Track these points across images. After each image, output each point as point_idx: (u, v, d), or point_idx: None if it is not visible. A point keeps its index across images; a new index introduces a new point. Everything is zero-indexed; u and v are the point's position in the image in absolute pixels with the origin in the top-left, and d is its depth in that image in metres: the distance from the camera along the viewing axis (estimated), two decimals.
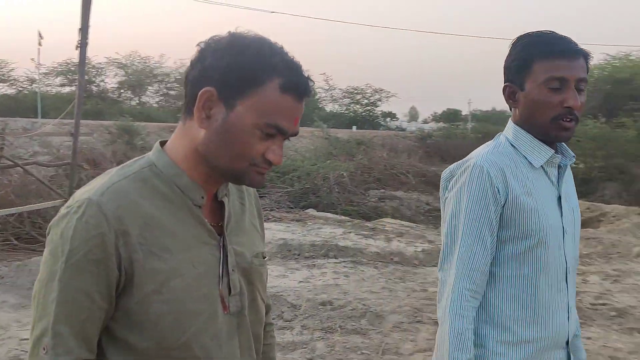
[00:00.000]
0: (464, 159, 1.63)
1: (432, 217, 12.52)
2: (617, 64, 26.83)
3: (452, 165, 1.66)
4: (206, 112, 1.09)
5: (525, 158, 1.59)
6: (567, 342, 1.65)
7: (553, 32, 1.60)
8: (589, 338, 4.82)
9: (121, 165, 1.15)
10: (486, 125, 35.68)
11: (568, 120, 1.54)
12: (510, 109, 1.66)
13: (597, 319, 5.38)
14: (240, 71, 1.07)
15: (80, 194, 1.08)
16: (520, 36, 1.63)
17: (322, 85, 36.20)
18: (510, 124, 1.66)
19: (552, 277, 1.58)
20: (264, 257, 1.29)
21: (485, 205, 1.53)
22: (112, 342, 1.09)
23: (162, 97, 38.04)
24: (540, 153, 1.59)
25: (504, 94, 1.65)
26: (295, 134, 1.13)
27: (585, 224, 11.79)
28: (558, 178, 1.64)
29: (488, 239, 1.54)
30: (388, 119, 40.54)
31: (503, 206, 1.54)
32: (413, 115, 78.28)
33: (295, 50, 1.14)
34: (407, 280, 6.65)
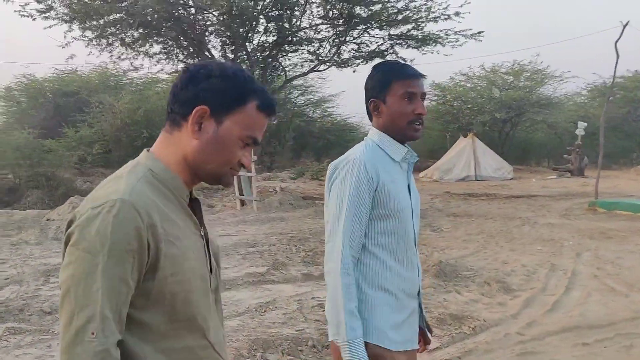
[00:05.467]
0: (345, 156, 2.05)
1: None
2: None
3: (335, 160, 2.08)
4: (198, 125, 1.32)
5: (388, 155, 2.05)
6: (419, 293, 2.13)
7: (399, 61, 2.14)
8: None
9: (127, 170, 1.32)
10: None
11: (418, 123, 2.05)
12: (371, 119, 2.12)
13: None
14: (229, 94, 1.33)
15: (106, 196, 1.23)
16: (377, 65, 2.14)
17: None
18: (373, 130, 2.10)
19: (406, 244, 2.04)
20: None
21: (362, 190, 1.95)
22: (128, 321, 1.23)
23: None
24: (399, 150, 2.06)
25: (369, 107, 2.09)
26: (260, 144, 1.45)
27: None
28: (407, 171, 2.12)
29: (364, 217, 1.96)
30: None
31: (375, 190, 1.97)
32: None
33: None
34: None
